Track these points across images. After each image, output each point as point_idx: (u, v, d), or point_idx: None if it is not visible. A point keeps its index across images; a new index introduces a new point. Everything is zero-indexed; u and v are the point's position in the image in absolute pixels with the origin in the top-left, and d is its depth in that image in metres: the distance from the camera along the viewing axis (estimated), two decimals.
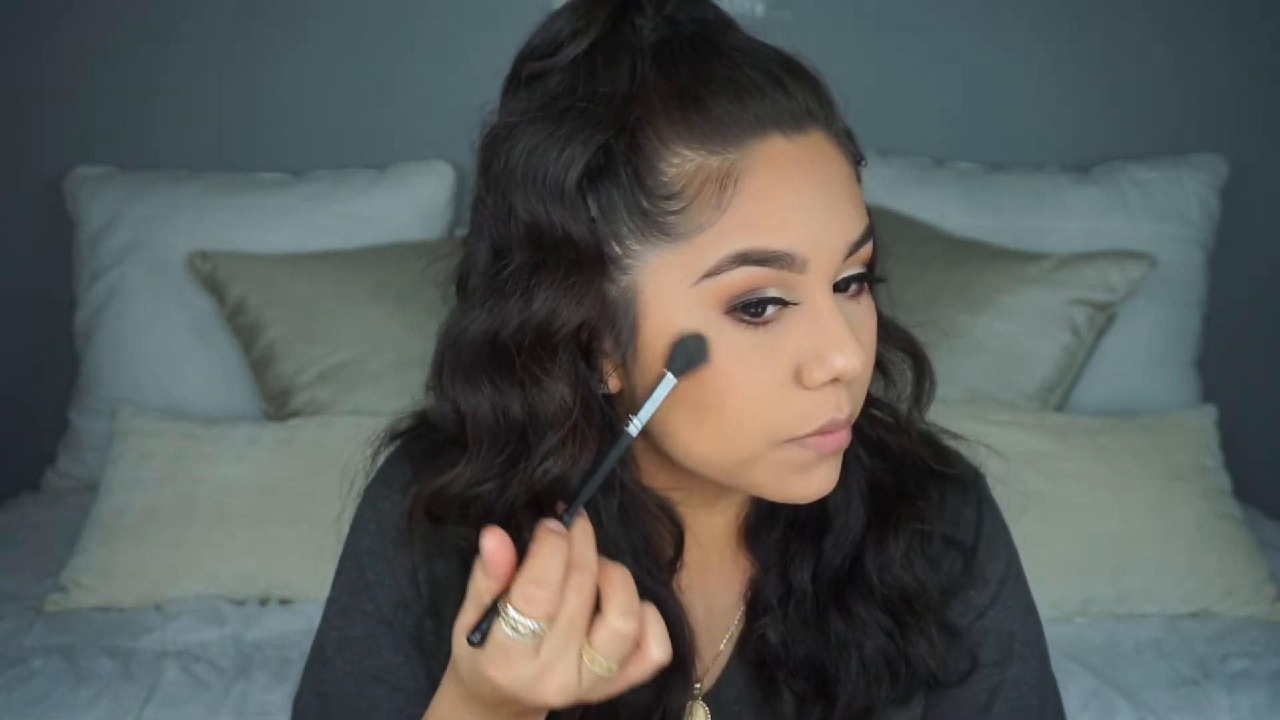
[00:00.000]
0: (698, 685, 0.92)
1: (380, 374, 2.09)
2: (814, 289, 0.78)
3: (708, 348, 0.78)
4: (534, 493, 0.82)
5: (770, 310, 0.78)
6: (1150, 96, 2.49)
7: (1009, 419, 1.98)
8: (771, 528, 0.93)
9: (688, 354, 0.78)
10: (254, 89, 2.48)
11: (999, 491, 0.99)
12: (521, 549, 0.76)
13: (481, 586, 0.75)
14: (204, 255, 2.21)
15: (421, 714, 0.87)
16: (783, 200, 0.77)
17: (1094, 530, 1.88)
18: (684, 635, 0.89)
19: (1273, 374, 2.55)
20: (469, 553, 0.85)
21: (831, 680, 0.90)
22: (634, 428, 0.78)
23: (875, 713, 0.90)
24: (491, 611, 0.75)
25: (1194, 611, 1.87)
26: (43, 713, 1.62)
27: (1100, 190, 2.33)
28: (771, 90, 0.79)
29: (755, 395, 0.78)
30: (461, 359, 0.83)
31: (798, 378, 0.79)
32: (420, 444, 0.93)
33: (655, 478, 0.87)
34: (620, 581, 0.75)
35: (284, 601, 1.88)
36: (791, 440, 0.80)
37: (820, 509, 0.91)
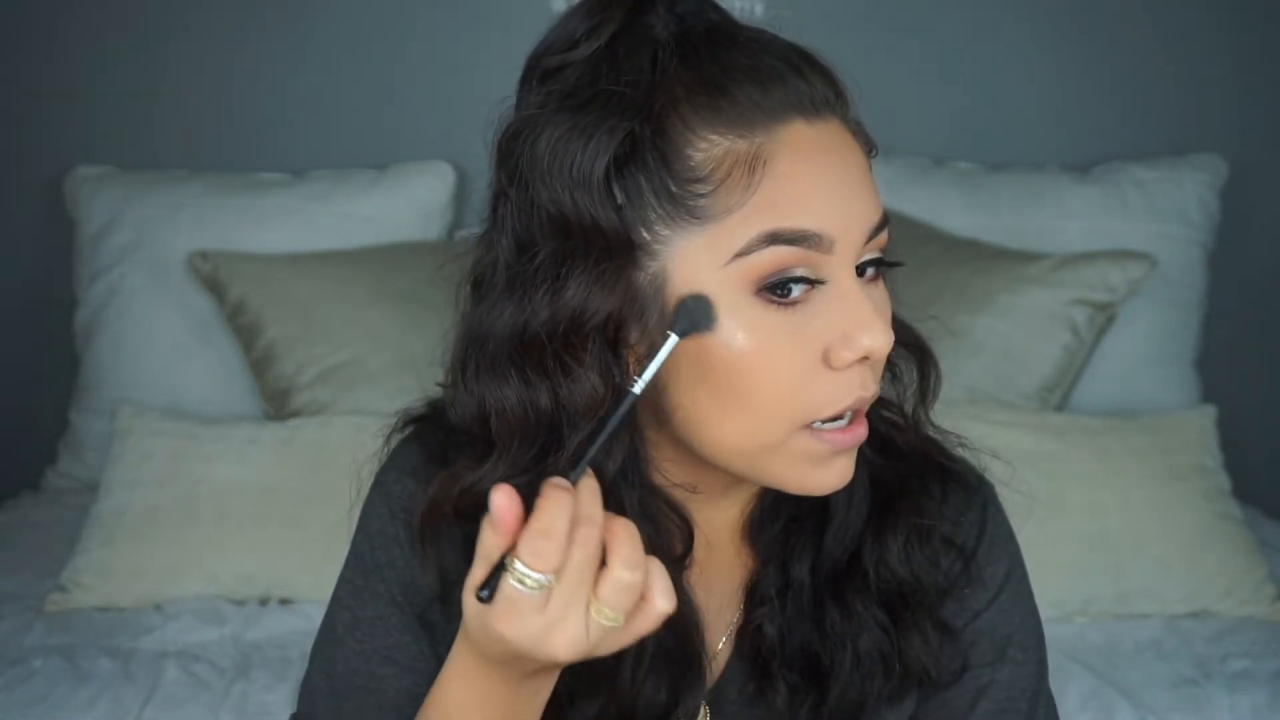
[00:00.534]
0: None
1: (380, 374, 2.09)
2: (839, 270, 0.80)
3: (712, 308, 0.78)
4: None
5: (797, 291, 0.79)
6: (1150, 96, 2.49)
7: (1009, 419, 1.98)
8: (774, 521, 0.93)
9: (691, 315, 0.78)
10: (254, 89, 2.48)
11: (1001, 494, 0.99)
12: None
13: (490, 543, 0.76)
14: (204, 255, 2.21)
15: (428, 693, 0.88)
16: (809, 182, 0.79)
17: (1094, 530, 1.88)
18: (697, 632, 0.90)
19: (1273, 374, 2.55)
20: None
21: (825, 673, 0.90)
22: (638, 386, 0.79)
23: (867, 707, 0.91)
24: (499, 567, 0.75)
25: (1194, 611, 1.87)
26: (43, 713, 1.62)
27: (1100, 190, 2.33)
28: (792, 77, 0.80)
29: (785, 376, 0.79)
30: (488, 354, 0.83)
31: (826, 359, 0.80)
32: (433, 430, 0.94)
33: (671, 472, 0.88)
34: (625, 534, 0.76)
35: (284, 601, 1.88)
36: (812, 429, 0.81)
37: (823, 503, 0.92)
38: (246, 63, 2.47)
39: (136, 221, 2.30)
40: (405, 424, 0.97)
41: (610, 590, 0.75)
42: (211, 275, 2.20)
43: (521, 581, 0.74)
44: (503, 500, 0.75)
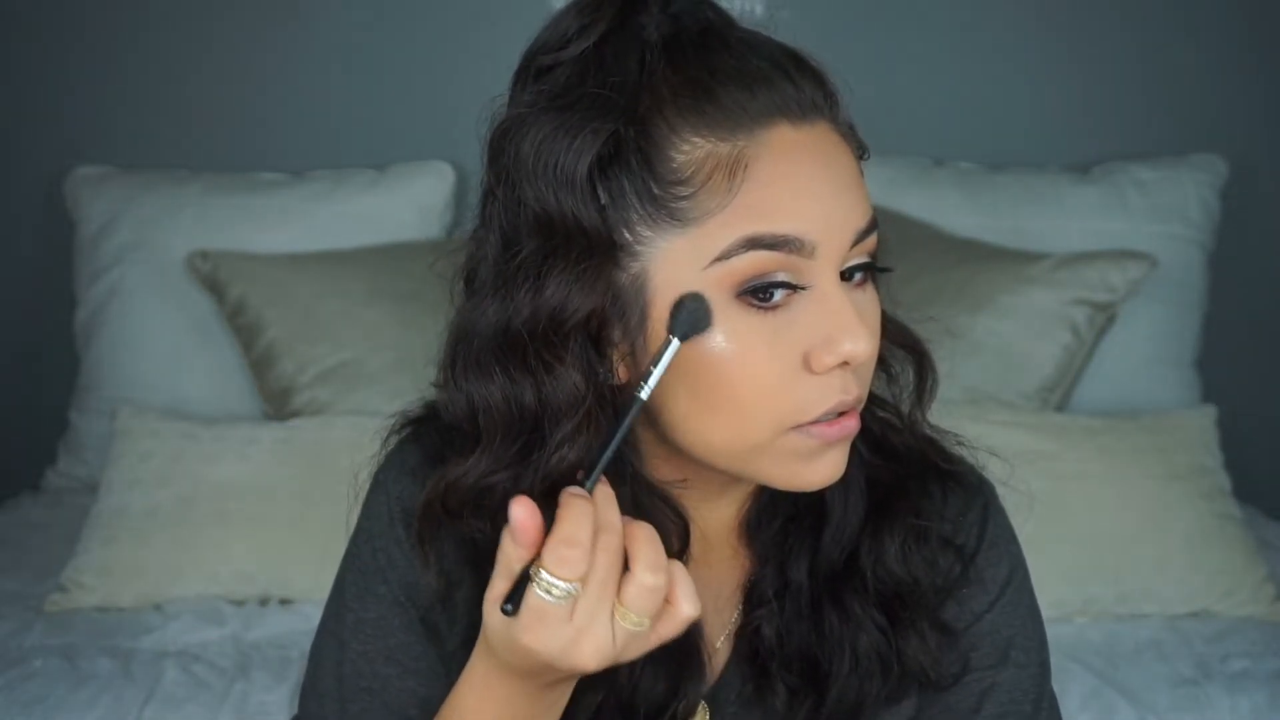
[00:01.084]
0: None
1: (380, 374, 2.09)
2: (821, 275, 0.80)
3: (709, 307, 0.79)
4: (550, 481, 0.83)
5: (779, 295, 0.79)
6: (1150, 96, 2.49)
7: (1009, 419, 1.98)
8: (771, 521, 0.93)
9: (689, 315, 0.78)
10: (254, 89, 2.48)
11: (1001, 494, 0.99)
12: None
13: (511, 555, 0.76)
14: (204, 255, 2.21)
15: (432, 694, 0.89)
16: (791, 186, 0.79)
17: (1094, 530, 1.88)
18: (696, 626, 0.89)
19: (1273, 374, 2.55)
20: (481, 545, 0.86)
21: (823, 674, 0.90)
22: (644, 392, 0.79)
23: (865, 709, 0.91)
24: (523, 579, 0.75)
25: (1194, 611, 1.87)
26: (43, 713, 1.62)
27: (1100, 190, 2.33)
28: (779, 80, 0.80)
29: (765, 380, 0.80)
30: (474, 350, 0.84)
31: (807, 363, 0.80)
32: (431, 431, 0.95)
33: (662, 469, 0.88)
34: (646, 538, 0.76)
35: (284, 601, 1.88)
36: (799, 427, 0.81)
37: (819, 503, 0.92)
38: (247, 63, 2.47)
39: (136, 221, 2.30)
40: (403, 426, 0.97)
41: (635, 594, 0.76)
42: (211, 275, 2.20)
43: (549, 591, 0.74)
44: (523, 512, 0.75)
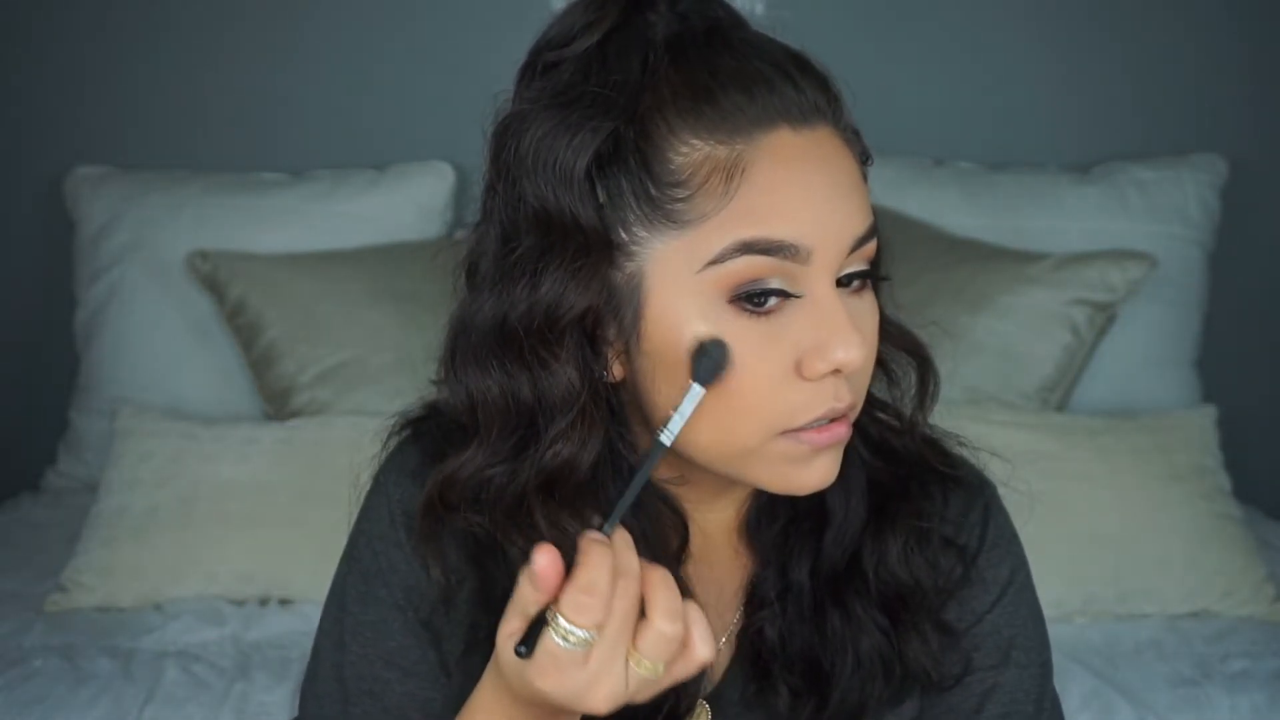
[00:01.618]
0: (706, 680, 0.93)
1: (380, 374, 2.09)
2: (816, 281, 0.79)
3: (729, 353, 0.78)
4: (545, 476, 0.83)
5: (772, 301, 0.79)
6: (1150, 96, 2.49)
7: (1009, 419, 1.98)
8: (772, 523, 0.93)
9: (712, 360, 0.78)
10: (254, 89, 2.48)
11: (1001, 494, 0.99)
12: (536, 540, 0.77)
13: (529, 598, 0.76)
14: (204, 255, 2.21)
15: (432, 696, 0.89)
16: (788, 191, 0.78)
17: (1094, 530, 1.88)
18: None
19: (1273, 374, 2.55)
20: (481, 539, 0.86)
21: (826, 676, 0.90)
22: (666, 437, 0.79)
23: (867, 710, 0.90)
24: (539, 622, 0.75)
25: (1194, 611, 1.87)
26: (43, 713, 1.62)
27: (1100, 190, 2.33)
28: (781, 84, 0.80)
29: (756, 384, 0.79)
30: (472, 343, 0.84)
31: (798, 369, 0.80)
32: (431, 432, 0.95)
33: (659, 468, 0.88)
34: (662, 583, 0.76)
35: (284, 602, 1.88)
36: (789, 432, 0.81)
37: (820, 505, 0.92)
38: (247, 63, 2.47)
39: (136, 221, 2.30)
40: (402, 427, 0.97)
41: (651, 643, 0.75)
42: (211, 275, 2.20)
43: (565, 638, 0.74)
44: (545, 560, 0.75)
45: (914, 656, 0.91)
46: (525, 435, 0.84)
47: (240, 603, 1.88)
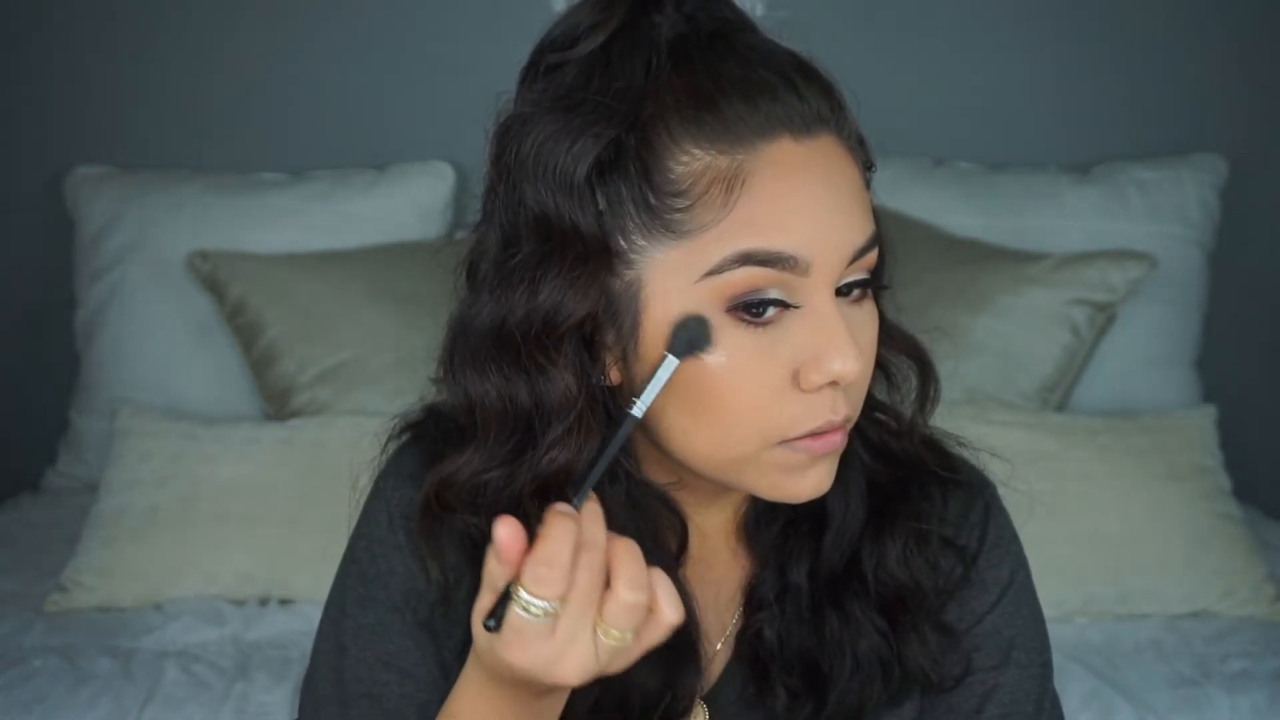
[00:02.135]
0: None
1: (380, 374, 2.09)
2: (815, 292, 0.79)
3: (710, 330, 0.78)
4: (541, 481, 0.83)
5: (771, 311, 0.79)
6: (1150, 96, 2.49)
7: (1009, 419, 1.98)
8: (770, 525, 0.93)
9: (689, 335, 0.78)
10: (254, 89, 2.48)
11: (1001, 494, 0.99)
12: (531, 537, 0.76)
13: (495, 572, 0.76)
14: (204, 255, 2.21)
15: (431, 699, 0.89)
16: (788, 202, 0.78)
17: (1094, 530, 1.88)
18: (692, 623, 0.89)
19: (1273, 374, 2.55)
20: (479, 541, 0.86)
21: (824, 677, 0.90)
22: (638, 409, 0.79)
23: (866, 712, 0.90)
24: (505, 596, 0.76)
25: (1194, 611, 1.87)
26: (43, 713, 1.62)
27: (1100, 190, 2.33)
28: (783, 92, 0.79)
29: (753, 394, 0.79)
30: (470, 346, 0.84)
31: (795, 380, 0.79)
32: (430, 435, 0.94)
33: (655, 471, 0.88)
34: (627, 554, 0.76)
35: (284, 602, 1.88)
36: (785, 442, 0.81)
37: (819, 507, 0.91)
38: (246, 63, 2.47)
39: (136, 221, 2.30)
40: (402, 430, 0.97)
41: (616, 611, 0.75)
42: (211, 275, 2.20)
43: (527, 609, 0.74)
44: (506, 531, 0.75)
45: (913, 658, 0.91)
46: (522, 439, 0.84)
47: (240, 603, 1.88)
